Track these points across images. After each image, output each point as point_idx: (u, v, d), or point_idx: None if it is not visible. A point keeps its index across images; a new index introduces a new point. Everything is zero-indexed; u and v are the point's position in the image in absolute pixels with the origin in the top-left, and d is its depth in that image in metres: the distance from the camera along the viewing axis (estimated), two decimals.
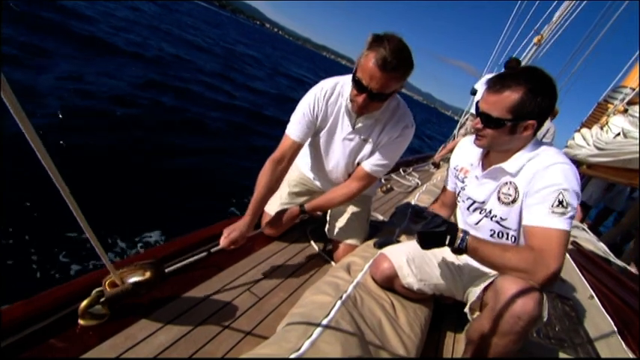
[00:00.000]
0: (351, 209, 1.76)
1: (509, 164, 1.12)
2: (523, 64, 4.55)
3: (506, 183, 1.14)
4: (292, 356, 0.81)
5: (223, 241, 1.30)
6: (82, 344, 0.91)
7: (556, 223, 0.98)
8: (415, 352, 1.09)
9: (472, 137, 1.28)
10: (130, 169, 3.78)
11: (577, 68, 5.91)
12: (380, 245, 1.40)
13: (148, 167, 3.99)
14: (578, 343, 1.50)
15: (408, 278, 1.27)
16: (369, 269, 1.36)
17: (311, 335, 0.89)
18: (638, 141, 3.14)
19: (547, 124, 4.64)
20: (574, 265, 2.23)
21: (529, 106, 1.02)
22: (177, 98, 6.73)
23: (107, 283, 0.99)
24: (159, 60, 9.21)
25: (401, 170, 3.83)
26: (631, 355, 1.50)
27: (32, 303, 0.94)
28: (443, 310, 1.46)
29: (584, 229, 3.36)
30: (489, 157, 1.23)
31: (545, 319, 0.98)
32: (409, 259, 1.28)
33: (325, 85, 1.50)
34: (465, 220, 1.33)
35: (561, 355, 1.31)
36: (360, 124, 1.48)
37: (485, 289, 1.13)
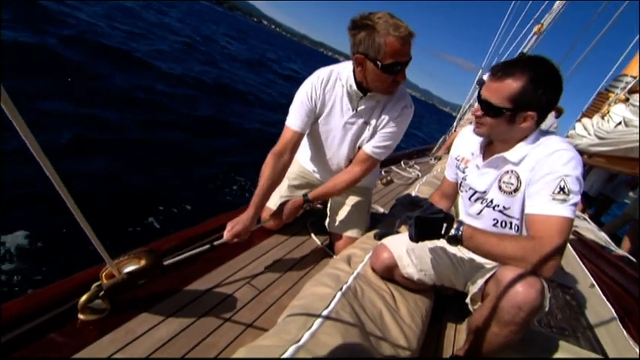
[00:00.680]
0: (352, 201, 1.75)
1: (511, 153, 1.11)
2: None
3: (508, 172, 1.12)
4: (292, 348, 0.81)
5: (227, 235, 1.29)
6: (82, 339, 0.91)
7: (557, 210, 0.97)
8: (416, 342, 1.09)
9: (473, 127, 1.27)
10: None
11: (581, 59, 5.85)
12: (380, 236, 1.39)
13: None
14: (580, 331, 1.50)
15: (408, 268, 1.26)
16: (369, 260, 1.36)
17: (311, 326, 0.88)
18: (638, 130, 3.12)
19: (550, 119, 4.61)
20: (575, 254, 2.23)
21: (530, 96, 1.00)
22: None
23: (104, 275, 0.98)
24: None
25: (402, 162, 3.82)
26: (632, 343, 1.50)
27: (32, 298, 0.94)
28: (444, 301, 1.46)
29: (585, 219, 3.35)
30: (491, 147, 1.21)
31: (546, 309, 0.97)
32: (409, 250, 1.28)
33: (321, 73, 1.51)
34: (466, 210, 1.32)
35: (563, 343, 1.31)
36: (362, 107, 1.48)
37: (487, 280, 1.12)
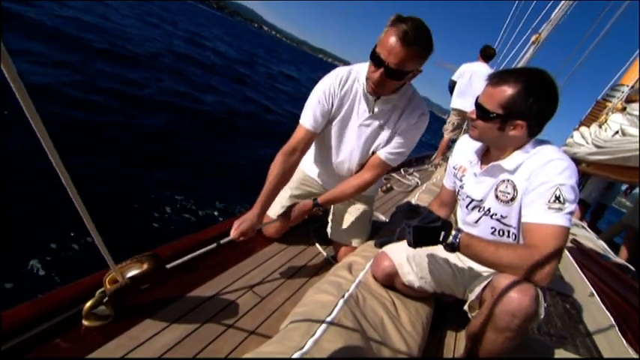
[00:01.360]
0: (355, 210, 1.74)
1: (507, 162, 1.13)
2: (521, 63, 4.55)
3: (504, 181, 1.14)
4: (296, 355, 0.82)
5: (233, 233, 1.29)
6: (87, 345, 0.92)
7: (552, 218, 0.98)
8: (417, 350, 1.09)
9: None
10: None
11: (576, 67, 5.91)
12: (381, 244, 1.40)
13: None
14: (579, 339, 1.50)
15: (409, 276, 1.28)
16: (370, 268, 1.37)
17: (314, 334, 0.90)
18: (636, 139, 3.15)
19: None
20: (574, 262, 2.23)
21: (520, 105, 1.02)
22: None
23: (108, 280, 0.99)
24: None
25: (401, 170, 3.84)
26: (631, 351, 1.50)
27: (37, 304, 0.95)
28: (444, 309, 1.47)
29: (583, 227, 3.37)
30: (488, 155, 1.24)
31: (541, 316, 0.98)
32: (409, 257, 1.29)
33: (340, 71, 1.48)
34: (464, 218, 1.33)
35: (562, 351, 1.32)
36: (378, 109, 1.46)
37: (485, 287, 1.14)
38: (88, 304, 0.96)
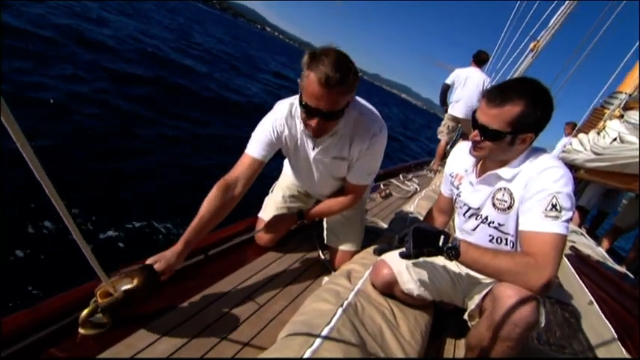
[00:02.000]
0: (345, 215, 1.74)
1: (505, 170, 1.13)
2: (519, 71, 4.57)
3: (501, 189, 1.15)
4: None
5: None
6: (83, 353, 0.91)
7: (549, 227, 0.98)
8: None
9: (467, 143, 1.29)
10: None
11: (573, 71, 5.93)
12: (379, 252, 1.39)
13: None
14: (578, 349, 1.50)
15: (408, 284, 1.27)
16: (369, 276, 1.36)
17: (312, 344, 0.89)
18: (634, 146, 3.16)
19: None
20: (572, 270, 2.23)
21: (529, 119, 1.03)
22: None
23: (99, 293, 0.97)
24: None
25: (400, 176, 3.84)
26: None
27: (33, 312, 0.94)
28: (443, 317, 1.46)
29: (582, 234, 3.36)
30: (484, 164, 1.24)
31: (542, 325, 0.98)
32: (409, 265, 1.29)
33: (282, 106, 1.42)
34: (461, 226, 1.33)
35: None
36: (322, 144, 1.40)
37: (485, 296, 1.13)
38: (85, 312, 0.96)
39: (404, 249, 1.04)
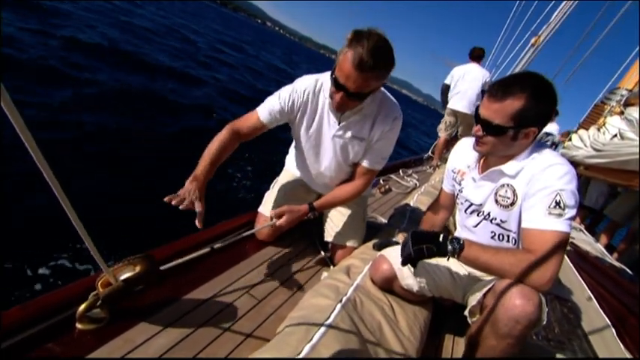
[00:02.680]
0: (347, 211, 1.74)
1: (508, 166, 1.12)
2: (520, 66, 4.55)
3: (504, 185, 1.14)
4: None
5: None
6: (80, 348, 0.91)
7: (553, 224, 0.98)
8: (414, 354, 1.09)
9: (469, 139, 1.28)
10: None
11: (577, 68, 5.92)
12: (379, 247, 1.39)
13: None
14: (577, 344, 1.50)
15: (408, 280, 1.27)
16: (368, 272, 1.36)
17: (311, 339, 0.89)
18: (634, 142, 3.16)
19: (550, 126, 4.63)
20: (572, 266, 2.23)
21: (532, 113, 1.02)
22: None
23: (100, 283, 0.97)
24: None
25: (400, 171, 3.84)
26: (629, 356, 1.50)
27: (30, 307, 0.93)
28: (442, 313, 1.46)
29: (581, 230, 3.37)
30: (487, 160, 1.23)
31: (544, 322, 0.98)
32: None
33: (305, 80, 1.46)
34: (463, 222, 1.33)
35: (560, 356, 1.31)
36: (346, 120, 1.44)
37: (486, 293, 1.13)
38: (82, 306, 0.95)
39: (404, 257, 1.05)
